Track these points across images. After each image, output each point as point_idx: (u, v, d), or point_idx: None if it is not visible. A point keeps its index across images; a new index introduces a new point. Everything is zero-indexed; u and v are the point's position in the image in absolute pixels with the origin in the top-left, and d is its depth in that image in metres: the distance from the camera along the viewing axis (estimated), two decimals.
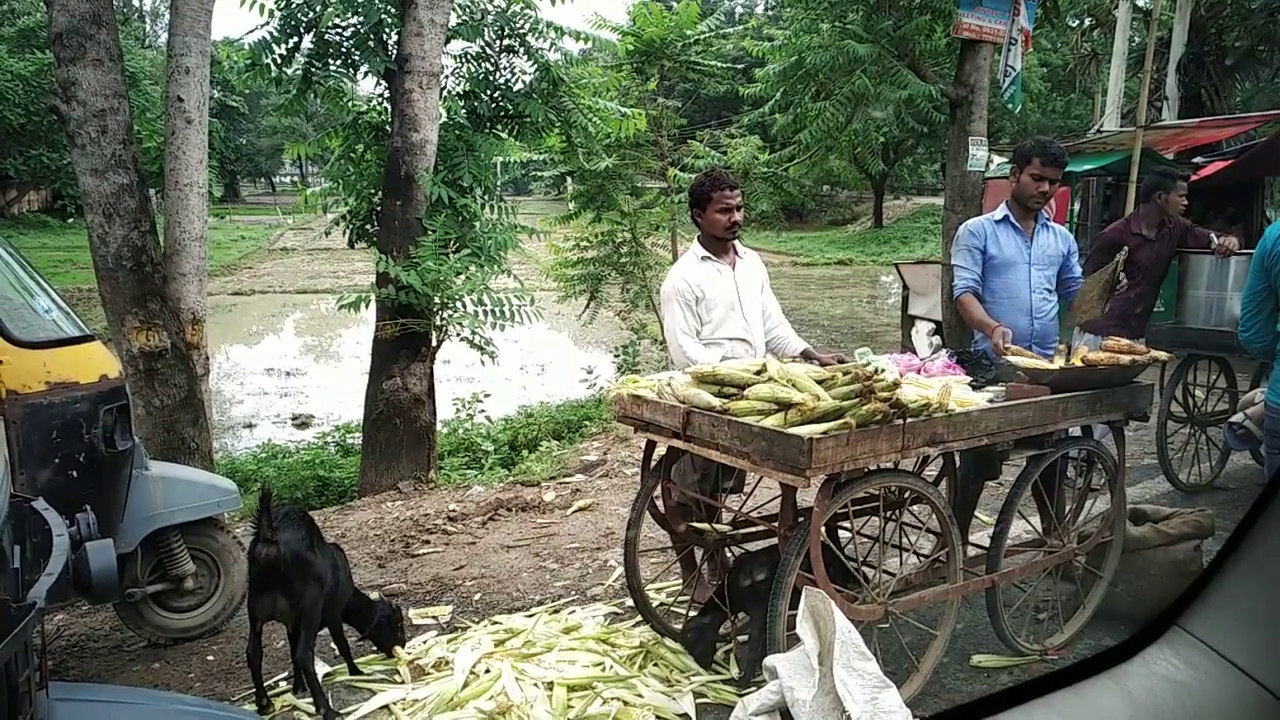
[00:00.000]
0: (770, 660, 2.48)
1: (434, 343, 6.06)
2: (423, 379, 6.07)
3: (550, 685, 3.00)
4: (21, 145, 25.79)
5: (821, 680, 2.24)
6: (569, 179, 9.74)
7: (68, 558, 1.35)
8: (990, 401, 2.95)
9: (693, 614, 3.35)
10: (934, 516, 3.02)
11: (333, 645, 3.27)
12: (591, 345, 14.49)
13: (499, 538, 4.87)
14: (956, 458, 3.40)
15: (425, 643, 3.47)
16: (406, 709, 2.94)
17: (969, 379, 3.12)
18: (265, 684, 3.05)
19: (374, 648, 3.36)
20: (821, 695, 2.22)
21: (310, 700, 2.97)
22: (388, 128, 6.17)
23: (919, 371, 3.17)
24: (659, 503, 3.42)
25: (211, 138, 5.87)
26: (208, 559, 3.69)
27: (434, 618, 3.79)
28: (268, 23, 5.99)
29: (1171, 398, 5.27)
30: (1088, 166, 9.06)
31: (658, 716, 2.87)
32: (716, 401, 2.76)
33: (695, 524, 3.35)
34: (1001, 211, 3.75)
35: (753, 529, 3.50)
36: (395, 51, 5.97)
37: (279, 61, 6.11)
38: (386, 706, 2.98)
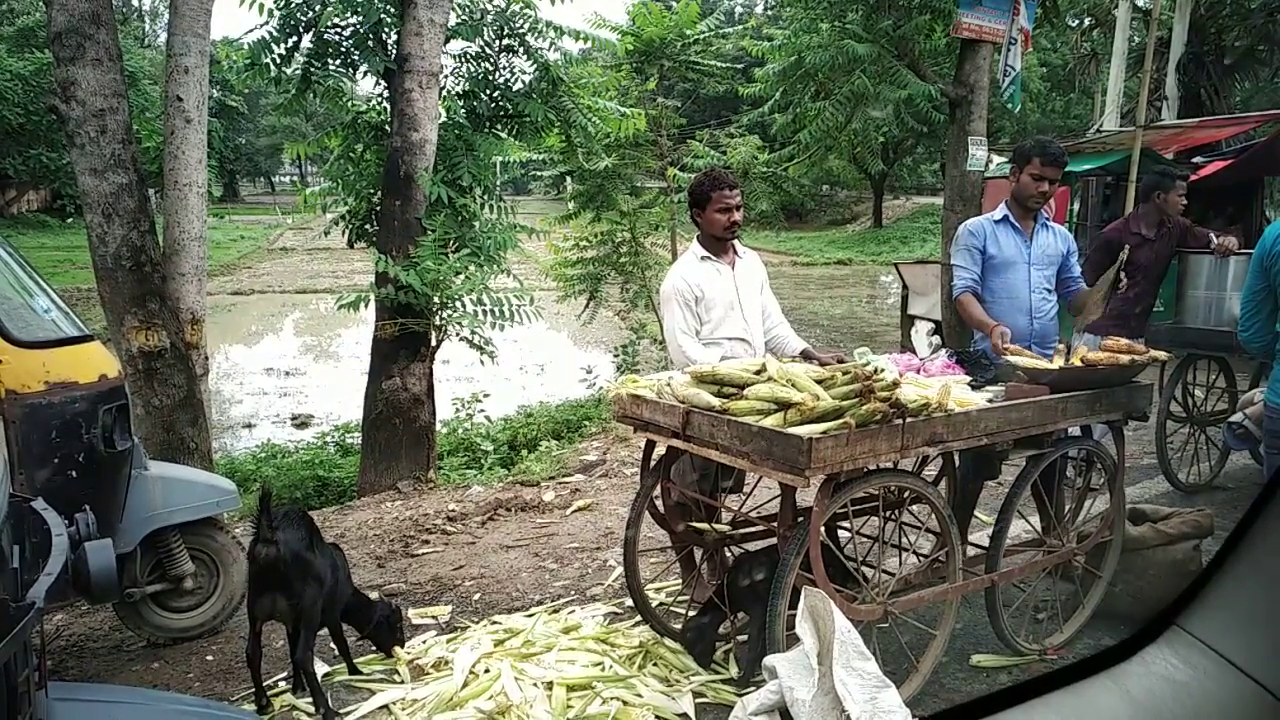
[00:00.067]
0: (769, 660, 2.47)
1: (433, 342, 6.06)
2: (422, 379, 6.07)
3: (550, 685, 3.00)
4: (21, 145, 25.78)
5: (821, 680, 2.24)
6: (568, 179, 9.74)
7: (67, 557, 1.35)
8: (989, 401, 2.95)
9: (692, 614, 3.35)
10: (933, 516, 3.02)
11: (332, 645, 3.27)
12: (591, 345, 14.49)
13: (498, 538, 4.87)
14: (956, 457, 3.40)
15: (424, 642, 3.47)
16: (406, 709, 2.94)
17: (968, 379, 3.12)
18: (265, 684, 3.05)
19: (373, 647, 3.35)
20: (821, 695, 2.22)
21: (309, 700, 2.97)
22: (387, 127, 6.17)
23: (918, 371, 3.17)
24: (658, 502, 3.42)
25: (211, 137, 5.87)
26: (207, 559, 3.69)
27: (433, 617, 3.79)
28: (267, 22, 5.99)
29: (1171, 397, 5.27)
30: (1087, 166, 9.07)
31: (657, 716, 2.87)
32: (716, 401, 2.76)
33: (694, 524, 3.35)
34: (1001, 211, 3.75)
35: (752, 529, 3.50)
36: (394, 51, 5.97)
37: (278, 61, 6.11)
38: (386, 706, 2.98)
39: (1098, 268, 4.40)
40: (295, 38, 6.10)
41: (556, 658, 3.22)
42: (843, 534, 3.46)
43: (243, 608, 3.52)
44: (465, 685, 3.02)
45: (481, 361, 6.29)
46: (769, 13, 31.67)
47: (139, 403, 4.66)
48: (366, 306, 6.04)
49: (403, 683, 3.14)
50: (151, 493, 3.42)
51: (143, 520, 3.39)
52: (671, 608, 3.72)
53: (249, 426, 10.12)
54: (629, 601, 3.58)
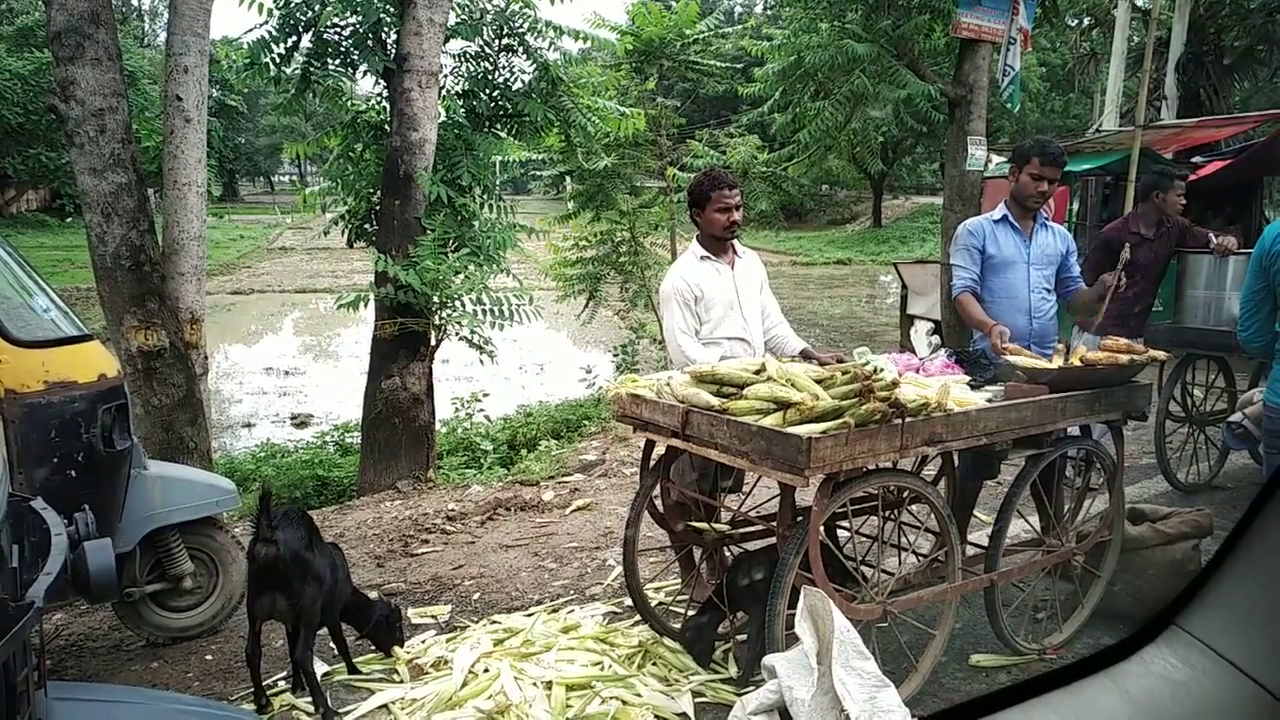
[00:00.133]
0: (769, 659, 2.47)
1: (433, 342, 6.06)
2: (422, 378, 6.07)
3: (549, 684, 3.00)
4: (20, 144, 25.74)
5: (820, 679, 2.24)
6: (568, 178, 9.73)
7: (66, 557, 1.35)
8: (989, 401, 2.95)
9: (691, 613, 3.35)
10: (932, 516, 3.02)
11: (331, 645, 3.27)
12: (590, 345, 14.48)
13: (498, 537, 4.87)
14: (955, 457, 3.40)
15: (424, 642, 3.47)
16: (405, 708, 2.94)
17: (967, 378, 3.12)
18: (264, 683, 3.05)
19: (373, 647, 3.36)
20: (820, 694, 2.22)
21: (309, 700, 2.97)
22: (386, 127, 6.17)
23: (918, 371, 3.18)
24: (658, 502, 3.42)
25: (210, 137, 5.87)
26: (206, 558, 3.69)
27: (433, 617, 3.79)
28: (266, 22, 5.98)
29: (1170, 397, 5.27)
30: (1086, 166, 9.07)
31: (656, 716, 2.88)
32: (715, 401, 2.76)
33: (694, 523, 3.35)
34: (1000, 211, 3.75)
35: (751, 528, 3.50)
36: (394, 51, 5.96)
37: (278, 61, 6.10)
38: (385, 706, 2.98)
39: (1097, 267, 4.40)
40: (295, 37, 6.10)
41: (556, 657, 3.22)
42: (842, 533, 3.46)
43: (242, 607, 3.52)
44: (464, 685, 3.02)
45: (481, 361, 6.29)
46: (768, 12, 31.67)
47: (138, 402, 4.66)
48: (366, 306, 6.04)
49: (402, 682, 3.14)
50: (151, 492, 3.42)
51: (142, 520, 3.39)
52: (671, 607, 3.72)
53: (248, 426, 10.11)
54: (628, 601, 3.58)
